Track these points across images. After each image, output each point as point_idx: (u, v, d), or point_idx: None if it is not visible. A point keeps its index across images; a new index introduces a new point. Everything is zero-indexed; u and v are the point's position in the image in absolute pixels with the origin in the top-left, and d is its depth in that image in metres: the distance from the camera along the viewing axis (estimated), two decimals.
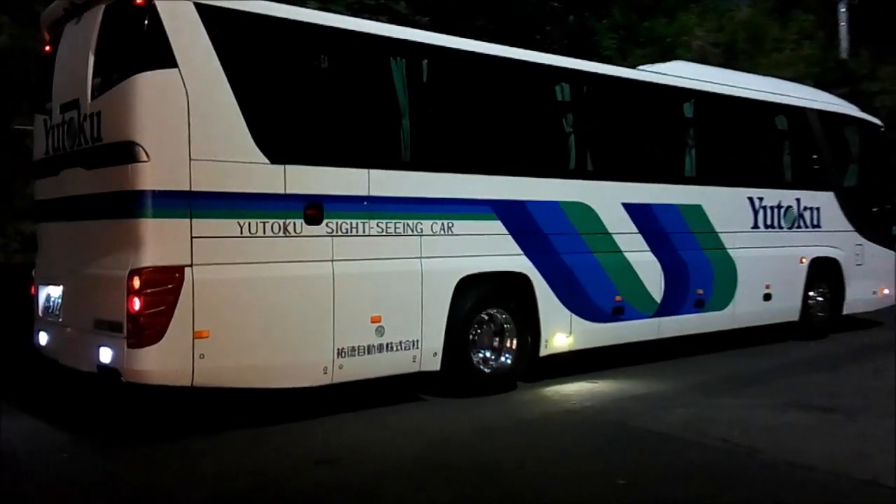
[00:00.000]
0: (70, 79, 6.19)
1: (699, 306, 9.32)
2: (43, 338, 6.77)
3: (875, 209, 11.81)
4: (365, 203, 6.47)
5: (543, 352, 7.82)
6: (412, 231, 6.78)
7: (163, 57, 5.48)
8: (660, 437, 6.05)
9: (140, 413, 6.60)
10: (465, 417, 6.66)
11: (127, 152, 5.46)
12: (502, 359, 7.58)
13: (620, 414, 6.77)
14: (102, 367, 5.72)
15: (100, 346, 5.70)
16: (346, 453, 5.59)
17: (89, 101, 5.92)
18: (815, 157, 10.91)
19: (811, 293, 10.93)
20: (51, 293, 6.65)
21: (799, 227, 10.60)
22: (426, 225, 6.86)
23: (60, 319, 6.47)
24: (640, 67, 9.76)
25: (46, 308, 6.72)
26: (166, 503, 4.81)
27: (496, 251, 7.39)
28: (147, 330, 5.40)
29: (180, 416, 6.50)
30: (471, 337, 7.37)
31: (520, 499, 4.86)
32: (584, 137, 8.19)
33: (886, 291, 11.91)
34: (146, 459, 5.50)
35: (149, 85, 5.45)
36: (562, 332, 7.94)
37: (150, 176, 5.42)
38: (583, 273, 8.10)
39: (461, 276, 7.08)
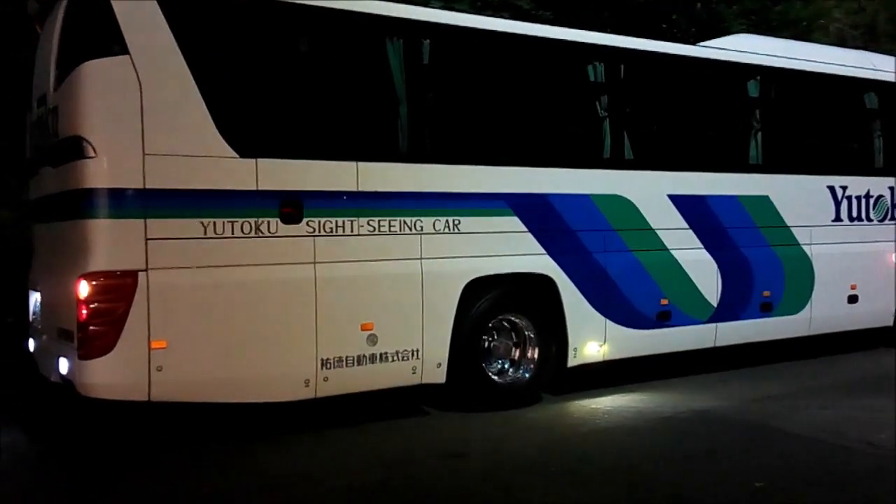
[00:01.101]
0: (41, 73, 5.90)
1: (766, 310, 8.27)
2: (31, 344, 6.54)
3: None
4: (353, 199, 5.88)
5: (572, 362, 7.03)
6: (411, 229, 6.14)
7: (112, 43, 5.05)
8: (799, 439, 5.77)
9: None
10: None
11: (75, 148, 5.07)
12: (521, 370, 6.85)
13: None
14: (62, 378, 5.38)
15: (59, 357, 5.37)
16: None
17: (52, 94, 5.59)
18: None
19: None
20: (36, 298, 6.40)
21: (894, 218, 9.32)
22: (427, 222, 6.21)
23: (39, 326, 6.21)
24: (700, 44, 8.75)
25: (33, 313, 6.48)
26: (309, 488, 4.88)
27: (513, 251, 6.65)
28: (96, 340, 5.00)
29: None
30: (485, 346, 6.69)
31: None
32: (621, 123, 7.32)
33: None
34: (282, 447, 5.63)
35: (95, 74, 5.03)
36: (594, 341, 7.12)
37: (98, 173, 5.01)
38: (620, 274, 7.25)
39: (470, 279, 6.39)
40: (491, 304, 6.61)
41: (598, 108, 7.25)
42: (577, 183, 7.03)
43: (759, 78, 8.30)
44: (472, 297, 6.43)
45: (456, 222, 6.34)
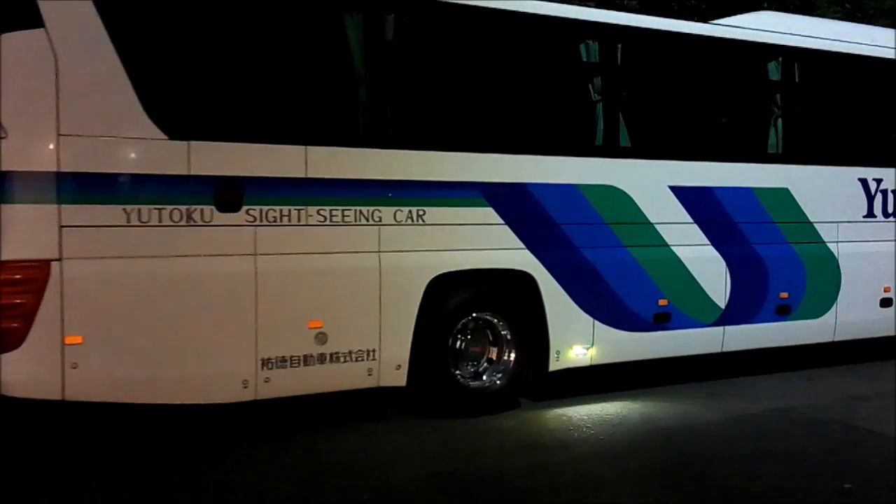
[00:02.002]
0: None
1: (783, 313, 7.55)
2: None
3: None
4: (300, 187, 5.41)
5: (554, 365, 6.46)
6: (368, 220, 5.64)
7: (25, 16, 4.66)
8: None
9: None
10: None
11: None
12: (496, 373, 6.32)
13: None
14: None
15: None
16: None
17: None
18: None
19: None
20: None
21: None
22: (387, 213, 5.71)
23: None
24: (714, 21, 8.03)
25: None
26: (390, 470, 4.96)
27: (488, 245, 6.11)
28: (4, 334, 4.65)
29: None
30: (456, 346, 6.18)
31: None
32: (615, 107, 6.70)
33: None
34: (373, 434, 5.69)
35: (6, 49, 4.67)
36: (580, 343, 6.54)
37: (6, 154, 4.65)
38: (611, 272, 6.64)
39: (436, 275, 5.87)
40: (462, 301, 6.09)
41: (591, 90, 6.65)
42: (563, 172, 6.43)
43: (779, 59, 7.55)
44: (440, 294, 5.92)
45: (420, 213, 5.83)
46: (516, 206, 6.21)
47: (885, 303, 8.14)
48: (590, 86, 6.65)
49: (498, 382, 6.29)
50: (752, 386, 7.27)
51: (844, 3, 15.07)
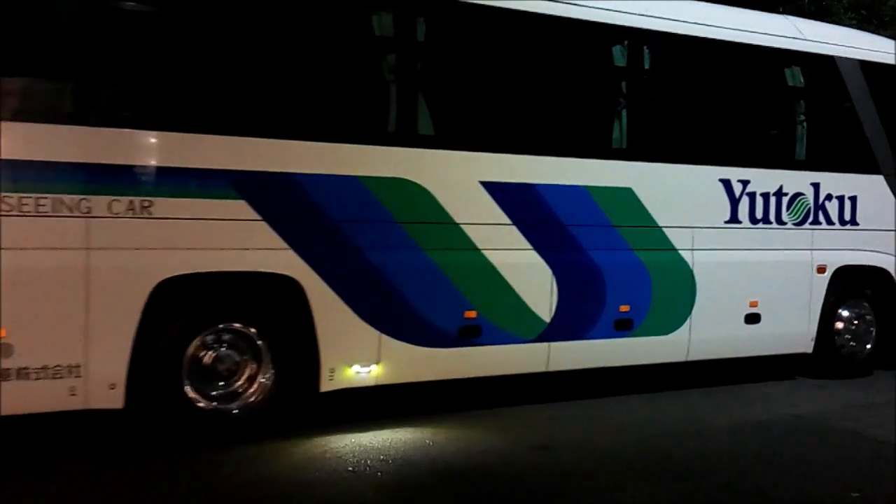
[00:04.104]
0: None
1: (624, 328, 6.71)
2: None
3: None
4: None
5: (328, 385, 5.60)
6: (71, 211, 4.76)
7: None
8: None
9: None
10: None
11: None
12: (250, 394, 5.45)
13: None
14: None
15: None
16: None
17: None
18: (851, 126, 7.83)
19: (844, 314, 7.95)
20: None
21: (817, 222, 7.61)
22: (99, 203, 4.81)
23: None
24: None
25: None
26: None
27: (239, 244, 5.23)
28: None
29: None
30: (197, 362, 5.29)
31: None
32: (411, 88, 5.85)
33: None
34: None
35: None
36: (362, 360, 5.69)
37: None
38: (403, 278, 5.78)
39: (164, 278, 5.00)
40: (201, 310, 5.24)
41: (379, 67, 5.78)
42: (341, 161, 5.57)
43: (625, 42, 6.70)
44: (170, 302, 5.05)
45: (146, 205, 4.95)
46: (278, 200, 5.34)
47: (752, 319, 7.31)
48: (377, 61, 5.78)
49: (254, 404, 5.42)
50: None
51: (860, 9, 14.84)
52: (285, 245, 5.36)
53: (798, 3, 14.07)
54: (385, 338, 5.73)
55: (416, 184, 5.79)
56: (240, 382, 5.44)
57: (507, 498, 4.63)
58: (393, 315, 5.75)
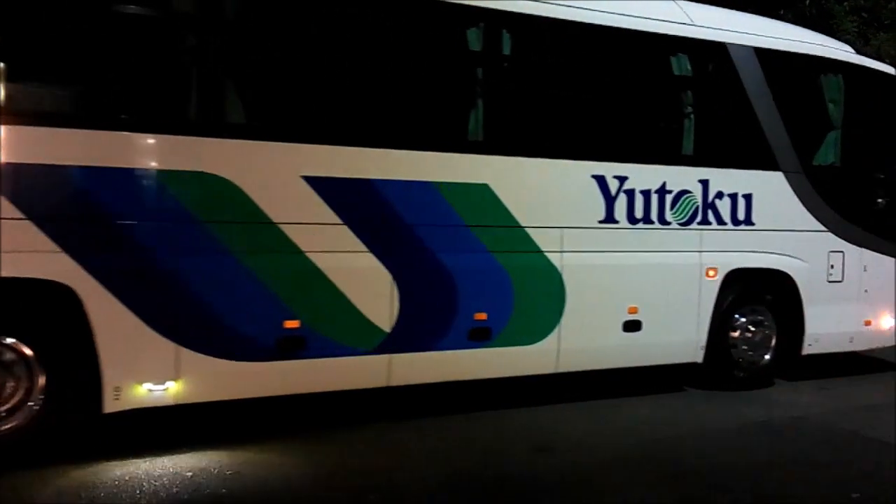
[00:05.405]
0: None
1: (481, 338, 6.10)
2: None
3: (881, 200, 7.98)
4: None
5: (114, 406, 4.96)
6: None
7: None
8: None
9: None
10: None
11: None
12: (15, 416, 4.80)
13: None
14: None
15: None
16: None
17: None
18: (745, 119, 7.26)
19: (741, 320, 7.39)
20: None
21: (706, 222, 7.04)
22: None
23: None
24: None
25: None
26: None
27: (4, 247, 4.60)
28: None
29: None
30: None
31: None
32: (212, 71, 5.21)
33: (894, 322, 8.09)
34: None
35: None
36: (157, 377, 5.05)
37: None
38: (205, 283, 5.15)
39: None
40: None
41: (169, 47, 5.14)
42: (125, 155, 4.92)
43: (480, 24, 6.09)
44: None
45: None
46: (44, 197, 4.69)
47: (631, 326, 6.73)
48: (171, 38, 5.13)
49: (17, 427, 4.77)
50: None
51: (861, 12, 14.77)
52: (57, 248, 4.71)
53: (799, 6, 14.11)
54: (185, 351, 5.09)
55: (221, 178, 5.16)
56: (6, 406, 4.79)
57: None
58: (194, 326, 5.12)
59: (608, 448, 5.60)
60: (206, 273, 5.14)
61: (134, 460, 4.89)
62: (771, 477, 5.13)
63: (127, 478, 4.65)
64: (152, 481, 4.60)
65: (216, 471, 4.82)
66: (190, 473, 4.75)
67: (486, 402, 6.46)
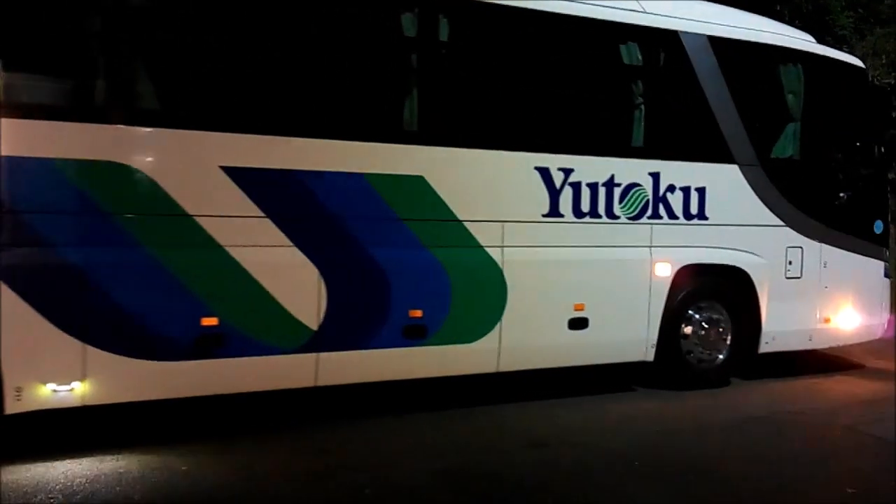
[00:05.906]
0: None
1: (416, 336, 5.87)
2: None
3: (842, 194, 7.77)
4: None
5: (16, 407, 4.70)
6: None
7: None
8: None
9: None
10: None
11: None
12: None
13: None
14: None
15: None
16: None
17: None
18: (698, 110, 7.03)
19: (695, 317, 7.16)
20: None
21: (657, 216, 6.82)
22: None
23: None
24: None
25: None
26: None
27: None
28: None
29: None
30: None
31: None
32: (118, 55, 4.93)
33: (856, 320, 7.86)
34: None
35: None
36: (61, 377, 4.80)
37: None
38: (114, 278, 4.90)
39: None
40: None
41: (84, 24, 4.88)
42: (27, 143, 4.67)
43: (416, 9, 5.85)
44: None
45: None
46: None
47: (577, 324, 6.50)
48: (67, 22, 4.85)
49: None
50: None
51: (857, 7, 14.48)
52: None
53: (795, 1, 13.83)
54: (92, 350, 4.84)
55: (127, 167, 4.91)
56: None
57: None
58: (102, 324, 4.87)
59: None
60: (115, 268, 4.89)
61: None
62: (764, 471, 5.07)
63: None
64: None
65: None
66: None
67: (481, 398, 6.37)
